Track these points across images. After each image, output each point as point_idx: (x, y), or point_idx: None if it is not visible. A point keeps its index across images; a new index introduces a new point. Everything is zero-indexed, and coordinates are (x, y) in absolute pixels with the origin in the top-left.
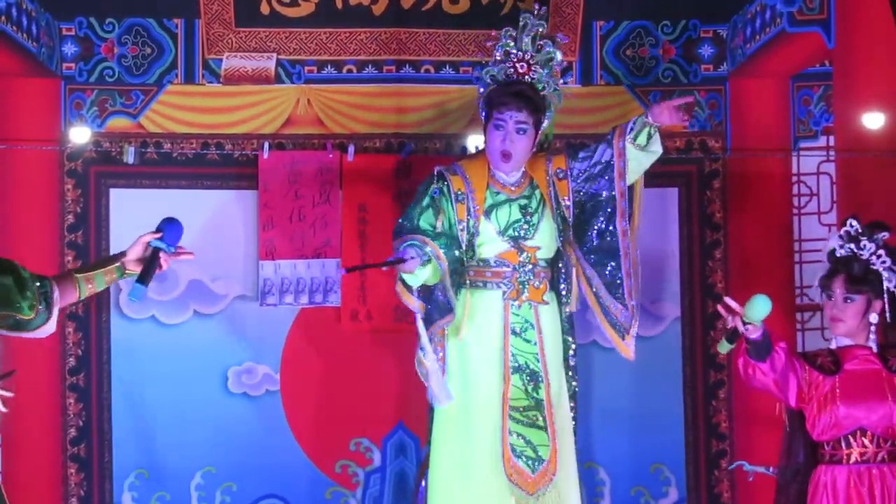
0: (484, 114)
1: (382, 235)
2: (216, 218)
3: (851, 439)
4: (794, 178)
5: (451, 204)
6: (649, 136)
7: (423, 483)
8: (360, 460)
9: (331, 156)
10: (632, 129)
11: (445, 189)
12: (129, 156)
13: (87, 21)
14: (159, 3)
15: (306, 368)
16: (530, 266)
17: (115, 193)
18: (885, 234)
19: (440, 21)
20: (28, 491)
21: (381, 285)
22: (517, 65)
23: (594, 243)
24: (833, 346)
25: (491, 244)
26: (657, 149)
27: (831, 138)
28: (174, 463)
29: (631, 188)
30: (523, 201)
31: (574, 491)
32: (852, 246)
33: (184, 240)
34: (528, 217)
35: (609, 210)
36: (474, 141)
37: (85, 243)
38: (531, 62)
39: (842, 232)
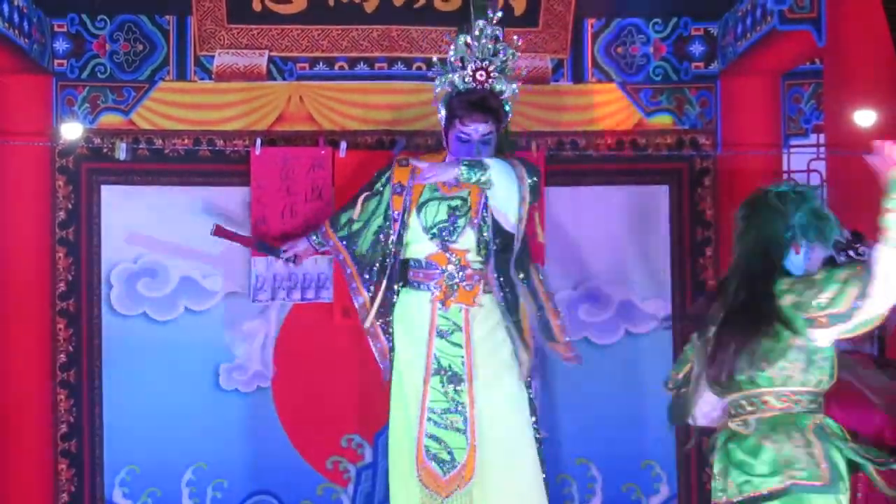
0: (445, 118)
1: None
2: (208, 214)
3: None
4: (785, 176)
5: (390, 195)
6: (478, 181)
7: None
8: (351, 456)
9: (323, 152)
10: None
11: (389, 180)
12: (121, 152)
13: (79, 18)
14: None
15: (298, 365)
16: (461, 268)
17: (106, 190)
18: (872, 241)
19: (431, 18)
20: (19, 486)
21: None
22: (476, 73)
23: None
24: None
25: (419, 243)
26: (491, 181)
27: (821, 136)
28: (165, 459)
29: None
30: (455, 202)
31: (528, 496)
32: (850, 252)
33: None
34: (454, 219)
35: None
36: None
37: (76, 240)
38: (489, 69)
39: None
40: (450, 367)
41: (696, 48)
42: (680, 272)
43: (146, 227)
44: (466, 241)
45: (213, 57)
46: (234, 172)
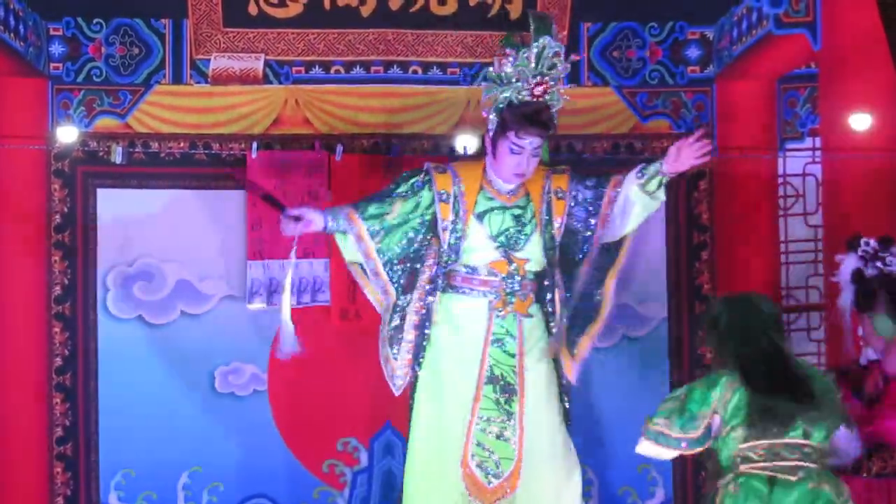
0: (496, 127)
1: None
2: (204, 218)
3: (873, 453)
4: (781, 180)
5: (434, 202)
6: (660, 184)
7: None
8: (347, 460)
9: (319, 156)
10: (641, 175)
11: (428, 185)
12: (117, 156)
13: (75, 21)
14: (147, 3)
15: (294, 368)
16: (519, 277)
17: (102, 193)
18: None
19: (428, 22)
20: (14, 490)
21: None
22: (534, 87)
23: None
24: (863, 361)
25: (481, 251)
26: (662, 197)
27: (817, 140)
28: (161, 462)
29: (621, 240)
30: (517, 211)
31: None
32: (879, 264)
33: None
34: (521, 227)
35: (583, 252)
36: (462, 141)
37: (72, 243)
38: (548, 83)
39: (860, 252)
40: (502, 376)
41: (692, 52)
42: (676, 276)
43: (142, 231)
44: (531, 249)
45: (209, 60)
46: (231, 176)
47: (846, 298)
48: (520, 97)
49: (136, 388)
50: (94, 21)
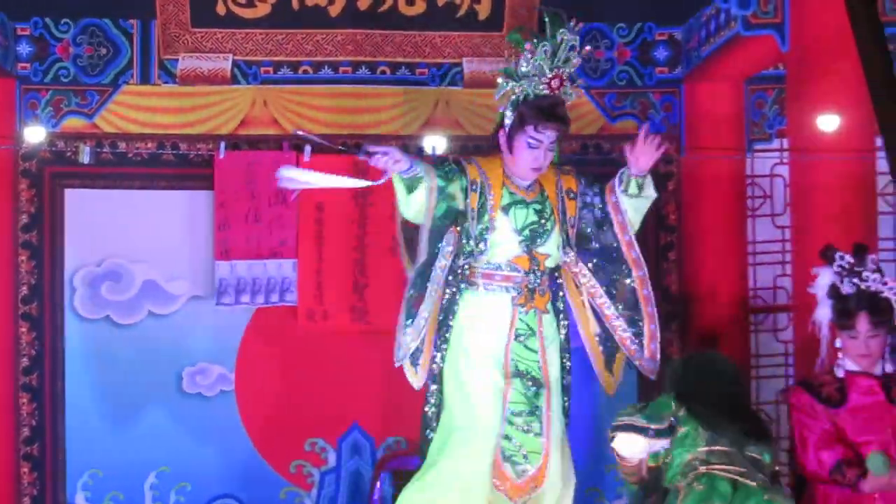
0: (512, 122)
1: (339, 235)
2: (171, 218)
3: (845, 466)
4: (748, 181)
5: (466, 190)
6: (639, 185)
7: (378, 483)
8: (314, 460)
9: (287, 156)
10: (621, 182)
11: (462, 172)
12: (85, 156)
13: (43, 21)
14: (115, 3)
15: (261, 369)
16: (539, 273)
17: (69, 193)
18: (873, 256)
19: (396, 23)
20: None
21: (338, 285)
22: (551, 81)
23: (616, 288)
24: (840, 374)
25: (505, 245)
26: (651, 193)
27: (785, 141)
28: (128, 462)
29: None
30: (537, 206)
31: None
32: (856, 280)
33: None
34: (543, 222)
35: (622, 262)
36: (430, 141)
37: (39, 243)
38: (563, 77)
39: (836, 267)
40: (528, 371)
41: (661, 53)
42: None
43: (110, 231)
44: (551, 245)
45: (177, 60)
46: (198, 176)
47: (823, 312)
48: (536, 91)
49: (103, 388)
50: (62, 21)
